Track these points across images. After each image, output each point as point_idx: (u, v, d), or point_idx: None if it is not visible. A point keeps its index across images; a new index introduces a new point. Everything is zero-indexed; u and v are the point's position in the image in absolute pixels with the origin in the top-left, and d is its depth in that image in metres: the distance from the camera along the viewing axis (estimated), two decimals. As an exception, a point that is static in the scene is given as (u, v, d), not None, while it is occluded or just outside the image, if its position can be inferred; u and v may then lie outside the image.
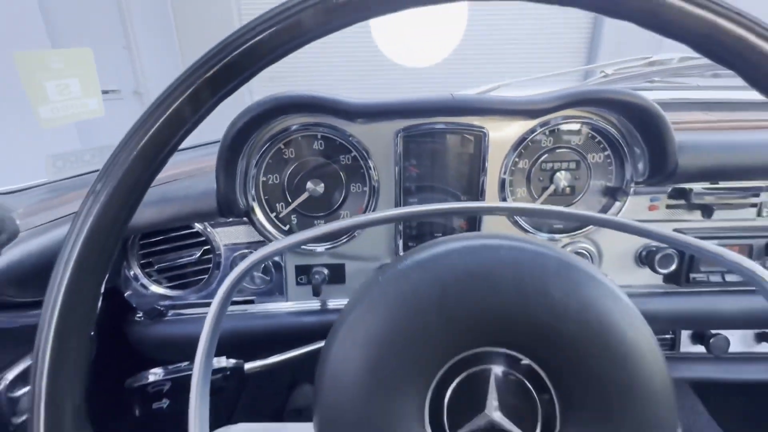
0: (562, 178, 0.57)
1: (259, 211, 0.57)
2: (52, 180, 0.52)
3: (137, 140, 0.21)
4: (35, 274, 0.43)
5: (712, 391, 0.91)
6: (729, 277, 0.59)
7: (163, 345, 0.58)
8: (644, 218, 0.60)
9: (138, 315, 0.59)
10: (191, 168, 0.55)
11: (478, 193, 0.57)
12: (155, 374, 0.45)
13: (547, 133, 0.56)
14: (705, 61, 0.81)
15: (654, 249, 0.59)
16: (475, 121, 0.53)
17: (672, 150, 0.50)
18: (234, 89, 0.23)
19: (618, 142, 0.55)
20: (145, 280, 0.58)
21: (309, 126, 0.55)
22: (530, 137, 0.55)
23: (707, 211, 0.57)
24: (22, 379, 0.45)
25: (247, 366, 0.47)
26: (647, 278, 0.62)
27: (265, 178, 0.56)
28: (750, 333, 0.70)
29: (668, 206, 0.59)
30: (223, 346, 0.55)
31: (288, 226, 0.59)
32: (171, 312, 0.59)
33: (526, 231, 0.59)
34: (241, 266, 0.29)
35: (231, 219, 0.56)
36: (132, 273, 0.57)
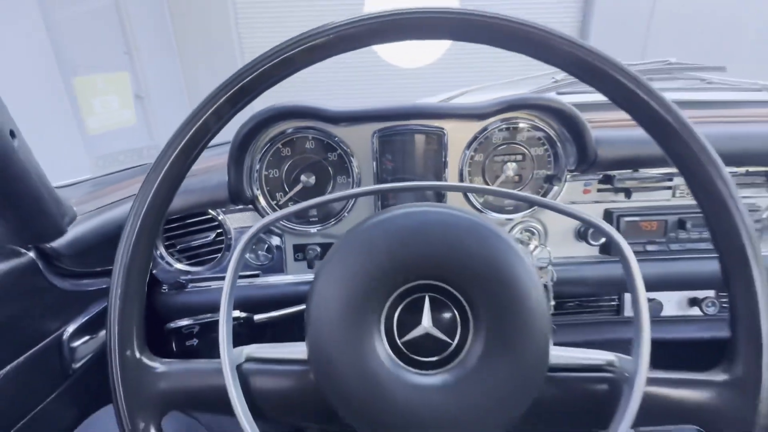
0: (511, 169, 0.70)
1: (263, 200, 0.69)
2: (95, 176, 0.64)
3: (178, 142, 0.32)
4: (91, 248, 0.55)
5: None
6: (649, 247, 0.72)
7: (185, 310, 0.70)
8: (580, 200, 0.72)
9: (164, 288, 0.71)
10: (206, 165, 0.67)
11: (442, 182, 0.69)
12: (186, 321, 0.57)
13: (498, 131, 0.68)
14: (642, 67, 0.94)
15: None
16: (435, 123, 0.66)
17: (591, 144, 0.62)
18: (246, 104, 0.33)
19: (552, 138, 0.68)
20: (169, 259, 0.70)
21: (302, 129, 0.67)
22: (481, 135, 0.67)
23: (628, 193, 0.69)
24: (80, 331, 0.58)
25: (256, 317, 0.59)
26: (586, 250, 0.74)
27: (266, 173, 0.69)
28: (684, 299, 0.82)
29: (599, 190, 0.71)
30: (236, 308, 0.68)
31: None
32: (190, 285, 0.72)
33: (480, 211, 0.71)
34: (252, 230, 0.39)
35: (240, 206, 0.68)
36: (158, 253, 0.70)
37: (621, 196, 0.71)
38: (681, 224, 0.70)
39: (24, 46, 1.98)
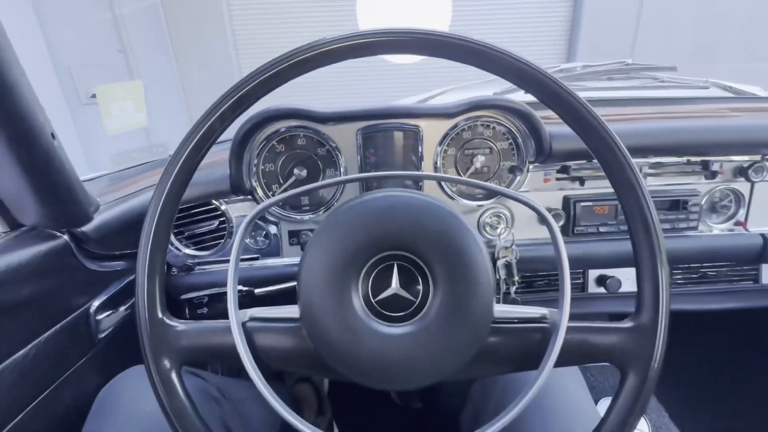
0: (479, 161, 0.79)
1: (260, 191, 0.78)
2: (112, 171, 0.73)
3: (190, 141, 0.38)
4: (113, 234, 0.64)
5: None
6: (602, 228, 0.81)
7: (193, 289, 0.79)
8: (541, 188, 0.81)
9: (173, 270, 0.80)
10: (210, 161, 0.75)
11: None
12: (197, 293, 0.66)
13: (467, 128, 0.78)
14: (601, 68, 1.03)
15: (548, 209, 0.81)
16: (411, 121, 0.75)
17: (546, 138, 0.72)
18: (245, 110, 0.39)
19: (515, 133, 0.77)
20: (178, 245, 0.79)
21: (294, 128, 0.75)
22: (452, 132, 0.76)
23: (582, 181, 0.79)
24: (103, 306, 0.67)
25: (257, 290, 0.69)
26: (548, 233, 0.84)
27: (263, 167, 0.77)
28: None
29: (557, 179, 0.81)
30: (239, 285, 0.77)
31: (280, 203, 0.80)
32: (197, 267, 0.80)
33: (452, 198, 0.80)
34: (254, 211, 0.44)
35: (240, 197, 0.77)
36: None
37: (577, 184, 0.81)
38: None
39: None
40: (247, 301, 0.65)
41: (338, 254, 0.38)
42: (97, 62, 2.79)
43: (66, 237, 0.59)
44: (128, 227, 0.66)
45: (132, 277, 0.71)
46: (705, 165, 0.80)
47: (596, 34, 3.54)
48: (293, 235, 0.81)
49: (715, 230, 0.85)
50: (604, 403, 1.19)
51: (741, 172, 0.81)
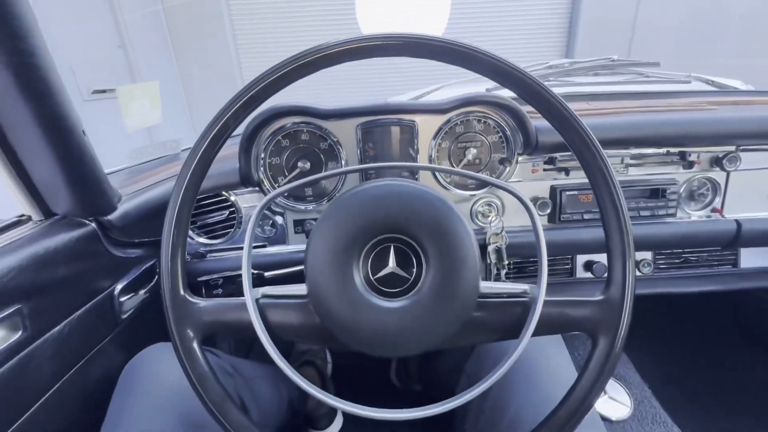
0: (471, 153, 0.84)
1: (267, 183, 0.84)
2: (130, 165, 0.78)
3: (208, 135, 0.42)
4: (134, 223, 0.70)
5: None
6: (586, 216, 0.87)
7: (206, 273, 0.85)
8: (530, 178, 0.87)
9: (187, 257, 0.86)
10: (220, 155, 0.80)
11: None
12: (212, 276, 0.72)
13: (459, 123, 0.83)
14: (588, 64, 1.08)
15: (536, 198, 0.86)
16: (407, 117, 0.80)
17: (532, 131, 0.77)
18: (255, 108, 0.43)
19: (504, 127, 0.83)
20: (191, 234, 0.85)
21: (298, 124, 0.81)
22: (446, 126, 0.82)
23: (567, 171, 0.84)
24: (126, 289, 0.72)
25: (267, 273, 0.74)
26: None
27: (270, 160, 0.83)
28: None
29: (544, 169, 0.86)
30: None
31: (286, 193, 0.86)
32: (209, 255, 0.86)
33: (446, 189, 0.86)
34: (265, 199, 0.51)
35: (248, 188, 0.83)
36: (182, 228, 0.84)
37: (563, 175, 0.86)
38: None
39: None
40: (257, 282, 0.71)
41: (341, 237, 0.42)
42: (98, 61, 2.83)
43: (93, 225, 0.65)
44: (148, 217, 0.71)
45: (151, 263, 0.76)
46: (682, 155, 0.85)
47: (595, 30, 3.58)
48: (298, 224, 0.87)
49: (693, 217, 0.90)
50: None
51: (716, 162, 0.86)
